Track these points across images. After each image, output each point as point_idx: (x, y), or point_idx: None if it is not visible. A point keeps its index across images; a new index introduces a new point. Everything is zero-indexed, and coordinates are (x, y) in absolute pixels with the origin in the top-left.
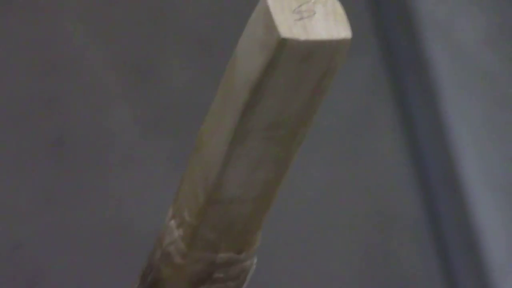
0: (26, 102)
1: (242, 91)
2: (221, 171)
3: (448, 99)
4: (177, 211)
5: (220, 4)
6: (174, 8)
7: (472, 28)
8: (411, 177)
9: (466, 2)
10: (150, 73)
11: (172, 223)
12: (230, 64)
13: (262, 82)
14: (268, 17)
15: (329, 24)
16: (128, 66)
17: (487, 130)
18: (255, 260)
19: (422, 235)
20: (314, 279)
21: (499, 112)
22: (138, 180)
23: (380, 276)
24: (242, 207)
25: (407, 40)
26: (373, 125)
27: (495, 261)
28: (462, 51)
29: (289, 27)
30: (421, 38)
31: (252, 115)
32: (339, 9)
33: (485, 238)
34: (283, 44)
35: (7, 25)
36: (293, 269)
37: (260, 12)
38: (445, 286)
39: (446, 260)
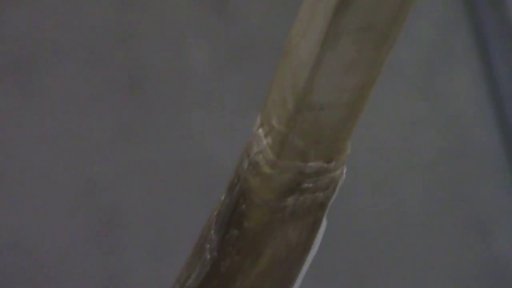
0: (104, 38)
1: None
2: (311, 75)
3: None
4: (265, 119)
5: None
6: None
7: None
8: (489, 110)
9: None
10: (227, 9)
11: (260, 131)
12: None
13: None
14: None
15: None
16: (205, 2)
17: None
18: (344, 170)
19: (500, 168)
20: (396, 203)
21: None
22: (215, 115)
23: (458, 206)
24: (332, 113)
25: None
26: (451, 56)
27: None
28: None
29: None
30: None
31: (345, 15)
32: None
33: None
34: None
35: None
36: (377, 191)
37: None
38: None
39: None
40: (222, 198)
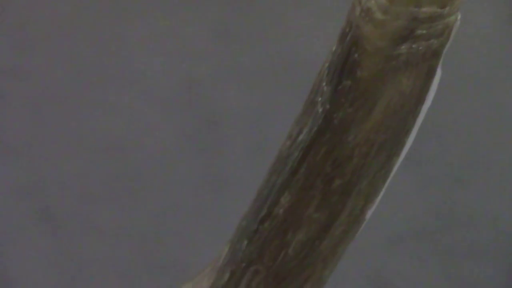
0: None
1: None
2: None
3: None
4: None
5: None
6: None
7: None
8: None
9: None
10: None
11: None
12: None
13: None
14: None
15: None
16: None
17: None
18: (459, 16)
19: None
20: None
21: None
22: (312, 15)
23: None
24: None
25: None
26: None
27: None
28: None
29: None
30: None
31: None
32: None
33: None
34: None
35: None
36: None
37: None
38: None
39: None
40: (333, 48)
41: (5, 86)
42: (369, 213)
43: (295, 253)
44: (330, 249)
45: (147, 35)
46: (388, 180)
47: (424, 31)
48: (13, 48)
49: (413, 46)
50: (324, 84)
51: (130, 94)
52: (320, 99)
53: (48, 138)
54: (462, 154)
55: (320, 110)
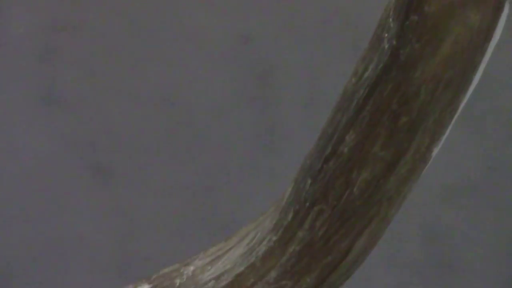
0: None
1: None
2: None
3: None
4: None
5: None
6: None
7: None
8: None
9: None
10: None
11: None
12: None
13: None
14: None
15: None
16: None
17: None
18: None
19: None
20: None
21: None
22: None
23: None
24: None
25: None
26: None
27: None
28: None
29: None
30: None
31: None
32: None
33: None
34: None
35: None
36: None
37: None
38: None
39: None
40: None
41: (59, 42)
42: (435, 152)
43: (360, 192)
44: (395, 188)
45: None
46: (455, 118)
47: None
48: (67, 4)
49: None
50: (390, 19)
51: (185, 49)
52: (386, 35)
53: (102, 93)
54: None
55: (387, 46)
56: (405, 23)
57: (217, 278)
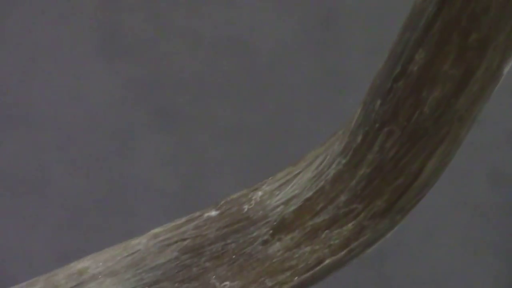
0: None
1: None
2: None
3: None
4: None
5: None
6: None
7: None
8: None
9: None
10: None
11: None
12: None
13: None
14: None
15: None
16: None
17: None
18: None
19: None
20: None
21: None
22: None
23: None
24: None
25: None
26: None
27: None
28: None
29: None
30: None
31: None
32: None
33: None
34: None
35: None
36: None
37: None
38: None
39: None
40: None
41: None
42: (506, 69)
43: (431, 111)
44: (466, 107)
45: None
46: None
47: None
48: None
49: None
50: None
51: None
52: None
53: (165, 35)
54: None
55: None
56: None
57: (286, 203)
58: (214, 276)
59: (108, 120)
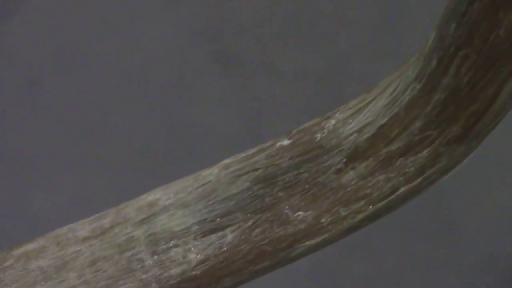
0: None
1: None
2: None
3: None
4: None
5: None
6: None
7: None
8: None
9: None
10: None
11: None
12: None
13: None
14: None
15: None
16: None
17: None
18: None
19: None
20: None
21: None
22: None
23: None
24: None
25: None
26: None
27: None
28: None
29: None
30: None
31: None
32: None
33: None
34: None
35: None
36: None
37: None
38: None
39: None
40: None
41: None
42: None
43: (507, 34)
44: None
45: None
46: None
47: None
48: None
49: None
50: None
51: None
52: None
53: None
54: None
55: None
56: None
57: (359, 131)
58: (287, 206)
59: (170, 65)
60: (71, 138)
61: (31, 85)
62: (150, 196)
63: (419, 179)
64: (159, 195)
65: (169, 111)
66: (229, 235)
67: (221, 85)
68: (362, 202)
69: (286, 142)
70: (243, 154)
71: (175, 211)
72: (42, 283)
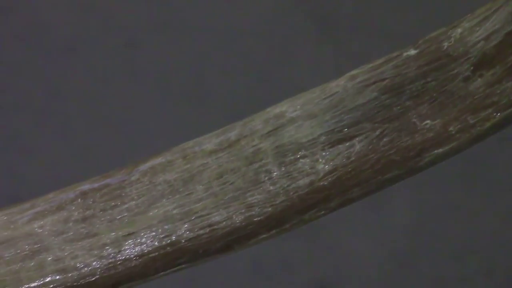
0: None
1: None
2: None
3: None
4: None
5: None
6: None
7: None
8: None
9: None
10: None
11: None
12: None
13: None
14: None
15: None
16: None
17: None
18: None
19: None
20: None
21: None
22: None
23: None
24: None
25: None
26: None
27: None
28: None
29: None
30: None
31: None
32: None
33: None
34: None
35: None
36: None
37: None
38: None
39: None
40: None
41: None
42: None
43: None
44: None
45: None
46: None
47: None
48: None
49: None
50: None
51: None
52: None
53: None
54: None
55: None
56: None
57: (486, 38)
58: (414, 115)
59: (267, 28)
60: (170, 102)
61: (128, 47)
62: (277, 109)
63: None
64: (286, 107)
65: (266, 72)
66: (357, 145)
67: (321, 49)
68: (490, 110)
69: (412, 51)
70: (370, 65)
71: (302, 122)
72: (169, 197)
